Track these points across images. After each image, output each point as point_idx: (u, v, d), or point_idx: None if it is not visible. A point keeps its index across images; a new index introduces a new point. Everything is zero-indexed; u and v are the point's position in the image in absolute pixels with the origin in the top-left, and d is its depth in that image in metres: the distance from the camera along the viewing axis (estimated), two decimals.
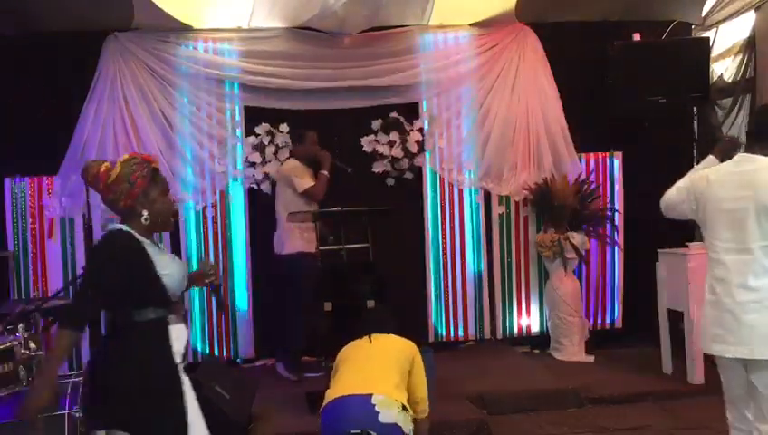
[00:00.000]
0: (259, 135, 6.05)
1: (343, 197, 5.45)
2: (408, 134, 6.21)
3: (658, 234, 5.75)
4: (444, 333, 6.39)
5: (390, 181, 6.26)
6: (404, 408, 3.19)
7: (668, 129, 6.40)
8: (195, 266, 5.43)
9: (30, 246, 5.83)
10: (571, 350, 5.99)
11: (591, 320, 6.47)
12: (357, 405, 3.14)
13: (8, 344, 3.25)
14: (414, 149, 6.22)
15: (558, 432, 4.55)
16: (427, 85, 6.29)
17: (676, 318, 5.33)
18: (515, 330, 6.49)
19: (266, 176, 6.04)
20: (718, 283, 3.10)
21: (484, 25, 6.31)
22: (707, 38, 6.26)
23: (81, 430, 3.26)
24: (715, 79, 6.25)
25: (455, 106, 6.36)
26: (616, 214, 6.43)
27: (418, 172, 6.33)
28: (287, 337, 5.60)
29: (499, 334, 6.45)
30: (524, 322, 6.50)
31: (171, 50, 5.96)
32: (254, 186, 6.09)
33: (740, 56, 6.04)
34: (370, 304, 4.65)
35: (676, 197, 3.31)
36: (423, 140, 6.26)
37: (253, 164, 6.05)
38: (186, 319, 2.80)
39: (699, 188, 3.21)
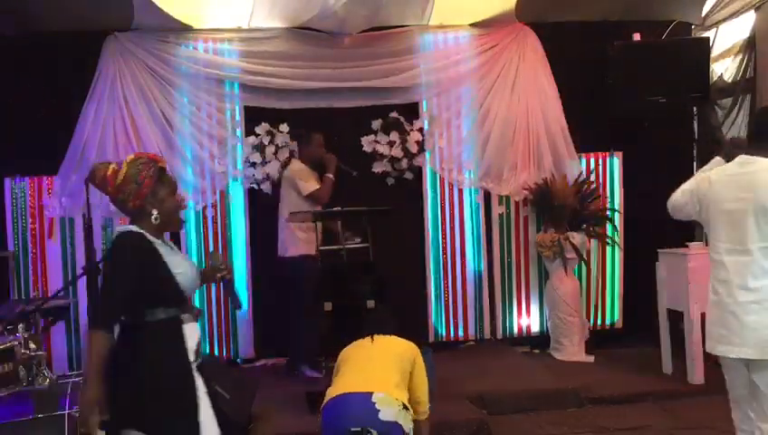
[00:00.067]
0: (259, 135, 6.05)
1: (343, 197, 5.46)
2: (408, 134, 6.21)
3: (658, 234, 5.77)
4: (444, 333, 6.39)
5: (390, 181, 6.26)
6: (404, 407, 3.19)
7: (668, 129, 6.40)
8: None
9: (30, 246, 5.83)
10: (571, 350, 5.99)
11: (591, 320, 6.47)
12: (357, 403, 3.15)
13: (8, 344, 3.25)
14: (414, 149, 6.21)
15: (558, 432, 4.55)
16: (427, 85, 6.29)
17: (676, 318, 5.33)
18: (515, 330, 6.49)
19: (267, 176, 6.04)
20: (720, 283, 3.13)
21: (484, 25, 6.31)
22: (707, 38, 6.26)
23: (81, 431, 3.26)
24: (715, 79, 6.25)
25: (455, 106, 6.37)
26: (616, 214, 6.43)
27: (418, 172, 6.33)
28: (293, 339, 5.60)
29: (499, 334, 6.45)
30: (524, 322, 6.50)
31: (171, 50, 5.95)
32: (254, 186, 6.09)
33: (740, 56, 6.04)
34: (370, 304, 4.65)
35: (681, 198, 3.35)
36: (423, 140, 6.26)
37: (253, 164, 6.05)
38: (198, 317, 2.80)
39: (702, 190, 3.24)
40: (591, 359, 5.95)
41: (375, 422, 3.08)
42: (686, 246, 5.23)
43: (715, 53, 6.25)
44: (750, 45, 5.92)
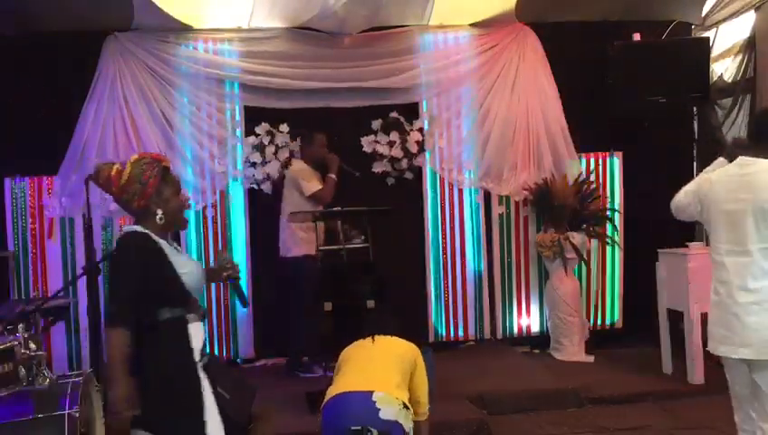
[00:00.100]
0: (259, 135, 6.05)
1: (345, 197, 5.46)
2: (408, 134, 6.21)
3: (658, 234, 5.77)
4: (444, 333, 6.39)
5: (390, 181, 6.26)
6: (405, 406, 3.19)
7: (668, 129, 6.40)
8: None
9: (30, 246, 5.83)
10: (571, 350, 5.99)
11: (591, 320, 6.47)
12: (358, 402, 3.15)
13: (8, 344, 3.25)
14: (414, 149, 6.21)
15: (558, 432, 4.55)
16: (427, 85, 6.29)
17: (676, 318, 5.33)
18: (515, 330, 6.49)
19: (267, 176, 6.04)
20: (721, 284, 3.15)
21: (484, 25, 6.31)
22: (707, 38, 6.26)
23: (81, 430, 3.26)
24: (715, 79, 6.25)
25: (455, 106, 6.37)
26: (616, 214, 6.43)
27: (418, 172, 6.33)
28: (293, 339, 5.60)
29: (499, 334, 6.45)
30: (524, 322, 6.50)
31: (171, 50, 5.95)
32: (254, 186, 6.09)
33: (740, 56, 6.04)
34: (370, 304, 4.65)
35: (683, 199, 3.37)
36: (423, 140, 6.26)
37: (253, 164, 6.05)
38: (203, 317, 2.80)
39: (703, 191, 3.26)
40: (591, 359, 5.95)
41: (375, 421, 3.08)
42: (686, 246, 5.23)
43: (715, 53, 6.25)
44: (750, 45, 5.92)
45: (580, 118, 6.29)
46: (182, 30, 5.94)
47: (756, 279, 3.02)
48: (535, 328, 6.50)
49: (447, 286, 6.40)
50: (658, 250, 5.48)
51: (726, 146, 3.62)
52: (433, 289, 6.38)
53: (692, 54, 6.11)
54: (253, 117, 6.10)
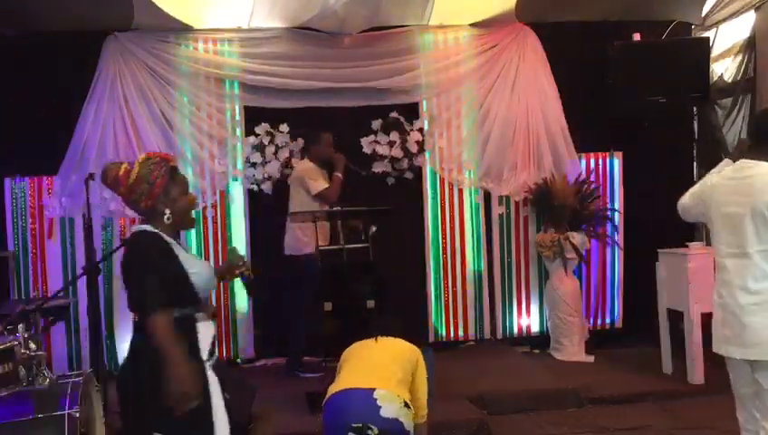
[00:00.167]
0: (259, 135, 6.05)
1: (343, 196, 5.46)
2: (408, 134, 6.21)
3: (658, 234, 5.78)
4: (444, 333, 6.39)
5: (390, 181, 6.26)
6: (406, 404, 3.20)
7: (668, 129, 6.40)
8: None
9: (30, 246, 5.83)
10: (571, 350, 5.99)
11: (591, 320, 6.47)
12: (359, 399, 3.16)
13: (8, 344, 3.25)
14: (414, 149, 6.22)
15: (558, 432, 4.55)
16: (427, 85, 6.29)
17: (676, 318, 5.33)
18: (515, 330, 6.49)
19: (267, 176, 6.04)
20: (723, 286, 3.19)
21: (484, 25, 6.31)
22: (707, 38, 6.26)
23: (81, 430, 3.26)
24: (715, 79, 6.25)
25: (455, 106, 6.36)
26: (616, 214, 6.43)
27: (418, 172, 6.33)
28: (293, 339, 5.60)
29: (499, 334, 6.45)
30: (524, 322, 6.50)
31: (171, 50, 5.95)
32: (254, 186, 6.09)
33: (740, 56, 6.04)
34: (370, 304, 4.65)
35: (689, 201, 3.41)
36: (423, 140, 6.26)
37: (253, 164, 6.05)
38: (214, 316, 2.80)
39: (706, 193, 3.30)
40: (591, 359, 5.95)
41: (376, 419, 3.09)
42: (686, 246, 5.23)
43: (715, 53, 6.25)
44: (750, 45, 5.92)
45: (580, 118, 6.29)
46: (182, 30, 5.94)
47: (757, 281, 3.04)
48: (535, 328, 6.50)
49: (447, 286, 6.40)
50: (658, 250, 5.48)
51: (736, 146, 3.63)
52: (433, 289, 6.38)
53: (692, 54, 6.11)
54: (253, 117, 6.10)
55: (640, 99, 6.03)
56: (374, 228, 5.08)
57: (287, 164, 6.03)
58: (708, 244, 5.73)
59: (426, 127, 6.30)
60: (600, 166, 6.54)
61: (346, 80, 6.08)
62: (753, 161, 3.13)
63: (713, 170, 3.44)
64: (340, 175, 5.53)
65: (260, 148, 6.03)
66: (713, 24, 6.33)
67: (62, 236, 5.86)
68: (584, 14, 6.27)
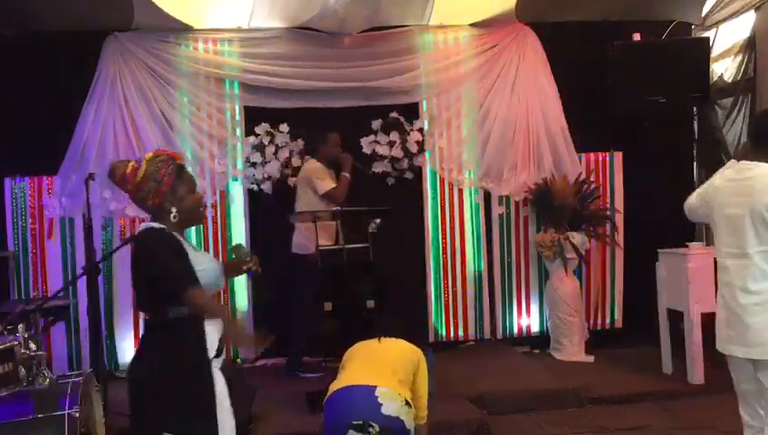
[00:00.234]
0: (259, 135, 6.05)
1: (350, 196, 5.46)
2: (408, 134, 6.21)
3: (658, 234, 5.78)
4: (444, 333, 6.39)
5: (390, 181, 6.26)
6: (407, 403, 3.20)
7: (668, 129, 6.40)
8: None
9: (30, 246, 5.83)
10: (571, 350, 5.99)
11: (591, 320, 6.47)
12: (360, 396, 3.16)
13: (8, 344, 3.24)
14: (414, 149, 6.21)
15: (558, 432, 4.55)
16: (427, 85, 6.29)
17: (676, 318, 5.33)
18: (515, 330, 6.49)
19: (267, 176, 6.04)
20: (724, 286, 3.21)
21: (484, 25, 6.31)
22: (707, 38, 6.26)
23: (81, 430, 3.26)
24: (715, 79, 6.25)
25: (455, 106, 6.36)
26: (616, 214, 6.43)
27: (418, 172, 6.33)
28: (294, 339, 5.60)
29: (499, 334, 6.45)
30: (524, 322, 6.50)
31: (171, 50, 5.95)
32: (254, 186, 6.09)
33: (740, 56, 6.04)
34: (370, 304, 4.65)
35: (694, 202, 3.45)
36: (423, 140, 6.26)
37: (253, 164, 6.05)
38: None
39: (709, 194, 3.33)
40: (591, 359, 5.95)
41: (377, 416, 3.09)
42: (686, 246, 5.23)
43: (715, 53, 6.25)
44: (750, 45, 5.92)
45: (580, 118, 6.29)
46: (182, 30, 5.94)
47: (757, 281, 3.06)
48: (535, 328, 6.50)
49: (447, 286, 6.40)
50: (658, 250, 5.48)
51: (726, 146, 3.65)
52: (433, 289, 6.38)
53: (692, 54, 6.11)
54: (253, 117, 6.10)
55: (640, 99, 6.03)
56: (377, 221, 5.07)
57: (287, 164, 6.03)
58: (708, 244, 5.75)
59: (426, 127, 6.30)
60: (600, 166, 6.54)
61: (346, 80, 6.08)
62: (753, 163, 3.15)
63: (719, 171, 3.47)
64: (347, 175, 5.54)
65: (260, 148, 6.03)
66: (713, 24, 6.33)
67: (62, 236, 5.86)
68: (584, 14, 6.27)
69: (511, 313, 6.48)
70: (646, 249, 5.69)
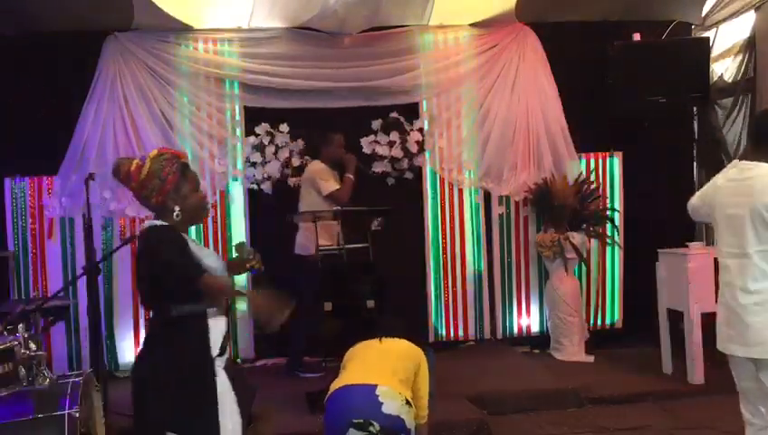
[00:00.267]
0: (259, 135, 6.04)
1: (354, 197, 5.46)
2: (408, 134, 6.21)
3: (658, 234, 5.78)
4: (444, 333, 6.39)
5: (390, 181, 6.26)
6: (408, 402, 3.20)
7: (668, 129, 6.40)
8: None
9: (30, 246, 5.83)
10: (571, 350, 5.99)
11: (591, 320, 6.47)
12: (361, 394, 3.17)
13: (8, 344, 3.24)
14: (414, 149, 6.21)
15: (558, 432, 4.55)
16: (427, 85, 6.29)
17: (676, 318, 5.33)
18: (515, 330, 6.49)
19: (267, 176, 6.04)
20: (725, 286, 3.22)
21: (484, 25, 6.31)
22: (707, 38, 6.26)
23: (81, 430, 3.26)
24: (715, 79, 6.25)
25: (455, 106, 6.36)
26: (616, 214, 6.43)
27: (418, 172, 6.33)
28: (293, 339, 5.60)
29: (499, 334, 6.45)
30: (524, 322, 6.50)
31: (171, 50, 5.95)
32: (254, 186, 6.09)
33: (740, 56, 6.04)
34: (370, 304, 4.65)
35: (697, 202, 3.46)
36: (423, 140, 6.26)
37: (253, 164, 6.05)
38: (227, 311, 2.80)
39: (710, 194, 3.35)
40: (591, 359, 5.95)
41: (378, 415, 3.09)
42: (686, 246, 5.23)
43: (715, 53, 6.25)
44: (750, 45, 5.92)
45: (580, 118, 6.29)
46: (182, 30, 5.94)
47: (756, 281, 3.07)
48: (535, 328, 6.50)
49: (447, 286, 6.40)
50: (658, 250, 5.48)
51: (726, 146, 3.66)
52: (433, 289, 6.38)
53: (692, 54, 6.11)
54: (253, 117, 6.10)
55: (640, 99, 6.04)
56: (379, 219, 5.07)
57: (287, 164, 6.03)
58: (708, 244, 5.75)
59: (426, 127, 6.30)
60: (600, 166, 6.54)
61: (346, 80, 6.08)
62: (753, 163, 3.16)
63: (722, 171, 3.48)
64: (351, 176, 5.54)
65: (260, 148, 6.03)
66: (713, 24, 6.33)
67: (62, 236, 5.86)
68: (584, 14, 6.27)
69: (511, 313, 6.48)
70: (646, 249, 5.69)
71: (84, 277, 4.49)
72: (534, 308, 6.49)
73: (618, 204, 6.51)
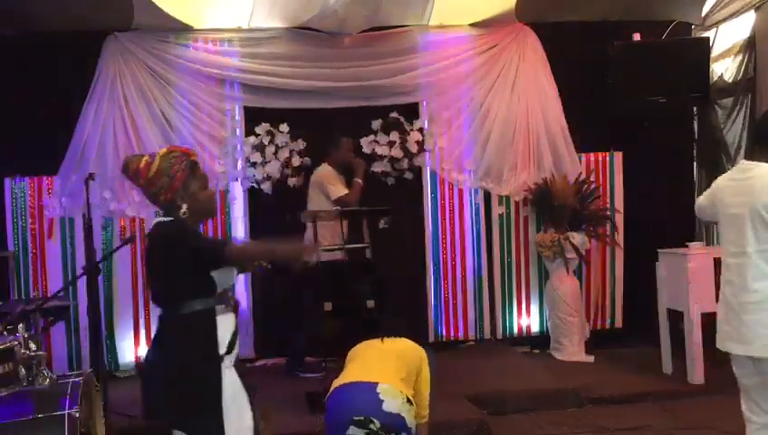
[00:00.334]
0: (259, 135, 6.04)
1: (362, 202, 5.46)
2: (408, 134, 6.21)
3: (658, 234, 5.79)
4: (444, 333, 6.39)
5: (390, 181, 6.25)
6: (409, 401, 3.21)
7: (668, 129, 6.40)
8: None
9: (30, 246, 5.82)
10: (571, 350, 5.99)
11: (591, 320, 6.47)
12: (362, 392, 3.17)
13: (8, 344, 3.24)
14: (414, 149, 6.21)
15: (558, 432, 4.55)
16: (427, 85, 6.29)
17: (676, 318, 5.33)
18: (515, 330, 6.49)
19: (267, 176, 6.04)
20: (726, 284, 3.25)
21: (484, 25, 6.31)
22: (707, 38, 6.26)
23: (81, 430, 3.26)
24: (715, 79, 6.25)
25: (455, 106, 6.36)
26: (616, 214, 6.43)
27: (418, 172, 6.33)
28: (293, 339, 5.60)
29: (499, 334, 6.45)
30: (524, 322, 6.50)
31: (171, 50, 5.95)
32: (254, 186, 6.08)
33: (740, 56, 6.04)
34: (370, 304, 4.65)
35: (703, 202, 3.49)
36: (423, 140, 6.26)
37: (253, 164, 6.05)
38: (236, 309, 2.80)
39: (714, 194, 3.38)
40: (591, 359, 5.95)
41: (378, 412, 3.10)
42: (686, 246, 5.23)
43: (715, 53, 6.25)
44: (750, 45, 5.92)
45: (580, 118, 6.29)
46: (182, 30, 5.93)
47: (756, 280, 3.09)
48: (535, 328, 6.50)
49: (447, 286, 6.39)
50: (658, 250, 5.48)
51: (727, 146, 3.67)
52: (433, 289, 6.38)
53: (692, 54, 6.11)
54: (253, 117, 6.09)
55: (640, 99, 6.04)
56: (386, 217, 5.07)
57: (287, 164, 6.02)
58: (708, 244, 5.76)
59: (426, 127, 6.30)
60: (600, 166, 6.54)
61: (346, 80, 6.08)
62: (755, 163, 3.19)
63: (729, 171, 3.51)
64: (360, 181, 5.55)
65: (260, 148, 6.03)
66: (713, 24, 6.33)
67: (62, 236, 5.86)
68: (584, 14, 6.26)
69: (511, 313, 6.48)
70: (646, 249, 5.69)
71: (84, 277, 4.49)
72: (534, 308, 6.48)
73: (618, 204, 6.50)
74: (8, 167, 5.75)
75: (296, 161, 6.01)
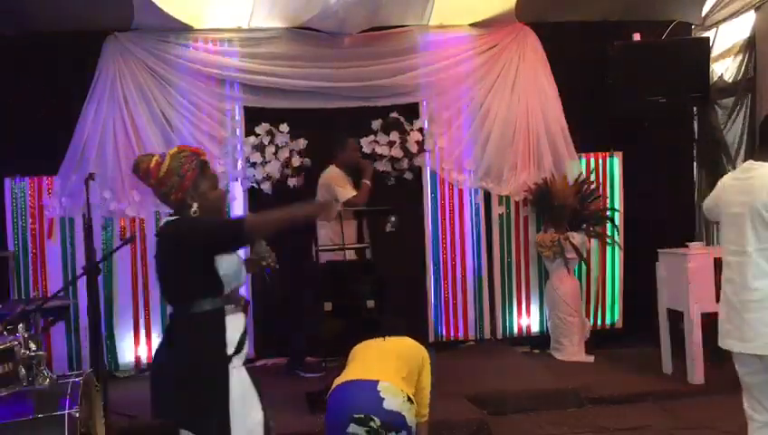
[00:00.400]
0: (259, 135, 6.04)
1: (369, 203, 5.46)
2: (408, 134, 6.21)
3: (658, 234, 5.79)
4: (444, 333, 6.39)
5: (390, 181, 6.26)
6: (409, 399, 3.21)
7: (668, 129, 6.40)
8: None
9: (30, 246, 5.82)
10: (571, 350, 5.99)
11: (591, 320, 6.47)
12: (362, 390, 3.17)
13: (8, 344, 3.24)
14: (414, 149, 6.21)
15: (558, 432, 4.55)
16: (427, 85, 6.29)
17: (676, 318, 5.33)
18: (515, 330, 6.49)
19: (267, 176, 6.04)
20: (727, 283, 3.27)
21: (484, 25, 6.31)
22: (707, 38, 6.26)
23: (81, 430, 3.26)
24: (715, 79, 6.25)
25: (455, 106, 6.36)
26: (616, 214, 6.43)
27: (418, 172, 6.33)
28: (293, 339, 5.60)
29: (499, 334, 6.45)
30: (524, 322, 6.50)
31: (171, 50, 5.95)
32: (254, 186, 6.09)
33: (740, 56, 6.04)
34: (370, 304, 4.65)
35: (709, 202, 3.53)
36: (423, 140, 6.26)
37: (253, 164, 6.05)
38: (246, 308, 2.80)
39: (718, 194, 3.42)
40: (591, 359, 5.95)
41: (379, 410, 3.10)
42: (686, 246, 5.23)
43: (715, 53, 6.25)
44: (750, 45, 5.92)
45: (580, 118, 6.30)
46: (182, 30, 5.93)
47: (756, 278, 3.11)
48: (535, 328, 6.50)
49: (447, 286, 6.40)
50: (658, 250, 5.48)
51: (727, 146, 3.69)
52: (433, 289, 6.38)
53: (692, 54, 6.11)
54: (253, 117, 6.10)
55: (640, 99, 6.04)
56: (393, 219, 5.05)
57: (287, 164, 6.02)
58: (708, 244, 5.76)
59: (426, 127, 6.30)
60: (600, 166, 6.54)
61: (346, 80, 6.08)
62: (757, 163, 3.22)
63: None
64: (368, 183, 5.54)
65: (260, 148, 6.03)
66: (713, 24, 6.33)
67: (62, 236, 5.86)
68: (584, 14, 6.27)
69: (511, 313, 6.48)
70: (646, 249, 5.69)
71: (84, 277, 4.49)
72: (534, 308, 6.49)
73: (618, 204, 6.51)
74: (8, 167, 5.75)
75: (296, 161, 6.01)
